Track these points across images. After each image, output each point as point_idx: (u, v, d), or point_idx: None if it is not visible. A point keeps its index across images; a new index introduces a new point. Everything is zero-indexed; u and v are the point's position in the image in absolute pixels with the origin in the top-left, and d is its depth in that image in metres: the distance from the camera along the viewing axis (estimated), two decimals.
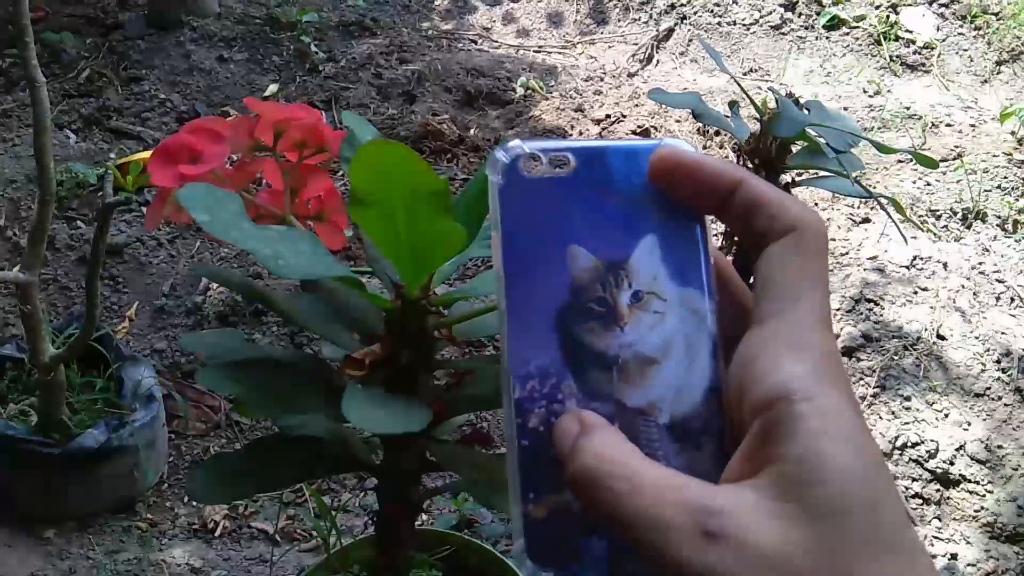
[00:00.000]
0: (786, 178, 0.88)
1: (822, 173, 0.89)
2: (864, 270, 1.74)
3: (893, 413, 1.47)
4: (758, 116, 0.86)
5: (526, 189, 0.30)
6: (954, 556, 1.32)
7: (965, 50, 2.74)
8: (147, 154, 1.84)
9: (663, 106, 2.27)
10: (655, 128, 2.17)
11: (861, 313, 1.62)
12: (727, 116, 0.92)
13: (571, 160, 0.31)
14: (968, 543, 1.34)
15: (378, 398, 0.50)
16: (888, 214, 0.84)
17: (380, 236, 0.48)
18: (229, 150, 0.53)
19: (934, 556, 1.32)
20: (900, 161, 2.13)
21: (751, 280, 0.30)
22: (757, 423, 0.26)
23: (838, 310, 1.63)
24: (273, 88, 2.36)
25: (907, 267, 1.73)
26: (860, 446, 0.25)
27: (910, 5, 2.92)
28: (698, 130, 2.21)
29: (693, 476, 0.26)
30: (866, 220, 1.89)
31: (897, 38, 2.76)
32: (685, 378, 0.29)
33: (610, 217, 0.30)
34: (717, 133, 2.19)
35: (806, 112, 0.87)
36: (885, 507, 0.24)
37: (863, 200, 1.79)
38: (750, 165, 0.88)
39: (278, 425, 0.61)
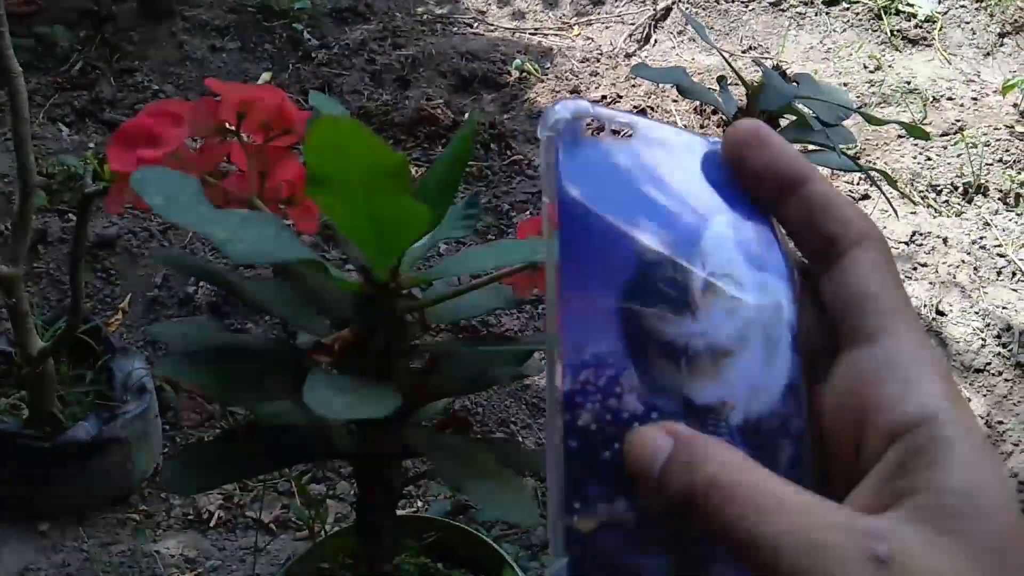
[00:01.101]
0: None
1: (811, 147, 0.87)
2: None
3: None
4: (745, 90, 0.84)
5: (586, 153, 0.27)
6: None
7: (967, 23, 2.70)
8: None
9: (659, 85, 2.24)
10: (651, 108, 2.15)
11: None
12: (715, 91, 0.90)
13: (637, 131, 0.28)
14: None
15: (344, 384, 0.49)
16: (879, 188, 0.82)
17: (341, 217, 0.47)
18: (188, 132, 0.51)
19: None
20: (900, 136, 2.10)
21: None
22: (894, 449, 0.24)
23: None
24: (266, 76, 2.34)
25: (906, 243, 1.71)
26: (1004, 475, 0.24)
27: None
28: (695, 109, 2.18)
29: None
30: (865, 196, 1.87)
31: (898, 12, 2.73)
32: (762, 374, 0.26)
33: (679, 194, 0.27)
34: (715, 112, 2.16)
35: (795, 85, 0.86)
36: None
37: (863, 176, 1.77)
38: None
39: (253, 413, 0.61)
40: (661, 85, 2.28)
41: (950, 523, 0.22)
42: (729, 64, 0.79)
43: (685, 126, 2.10)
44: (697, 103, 2.15)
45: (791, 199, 0.27)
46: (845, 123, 0.86)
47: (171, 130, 0.51)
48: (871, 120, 0.81)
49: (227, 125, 0.55)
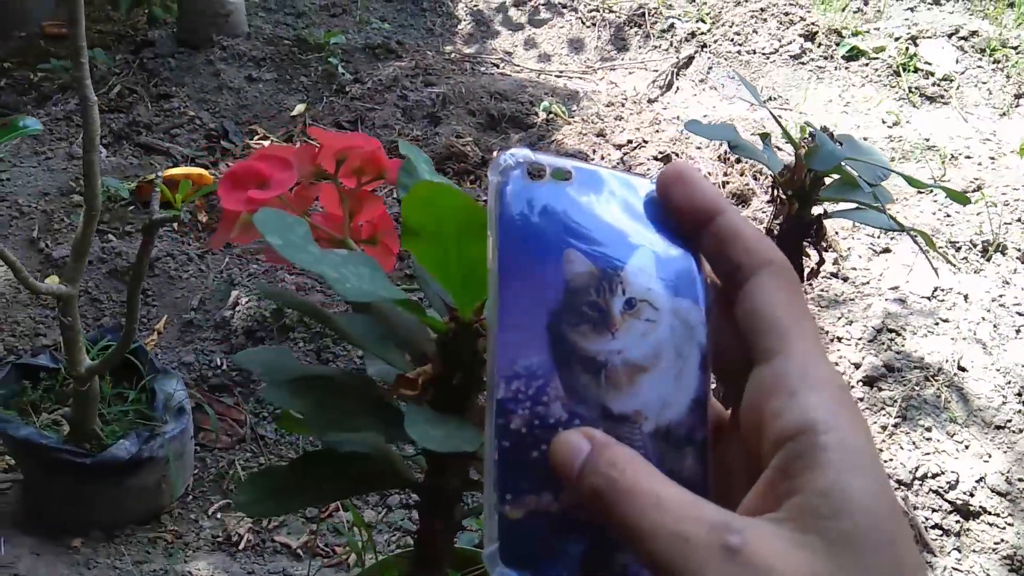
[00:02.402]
0: (818, 209, 0.90)
1: (852, 205, 0.91)
2: (886, 300, 1.75)
3: (914, 443, 1.48)
4: (793, 149, 0.87)
5: (527, 193, 0.30)
6: None
7: (984, 83, 2.75)
8: (196, 171, 1.86)
9: (684, 133, 2.29)
10: (676, 154, 2.20)
11: (883, 343, 1.63)
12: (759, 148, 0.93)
13: (573, 175, 0.31)
14: (987, 575, 1.34)
15: (435, 418, 0.52)
16: (920, 247, 0.85)
17: (433, 264, 0.50)
18: (296, 177, 0.55)
19: None
20: (919, 192, 2.14)
21: None
22: (779, 456, 0.26)
23: (859, 339, 1.64)
24: (300, 108, 2.40)
25: (928, 298, 1.74)
26: (882, 483, 0.25)
27: (929, 37, 2.94)
28: (719, 157, 2.23)
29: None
30: (887, 250, 1.90)
31: (916, 70, 2.79)
32: (672, 388, 0.29)
33: (608, 228, 0.31)
34: (738, 161, 2.21)
35: (839, 146, 0.89)
36: (905, 547, 0.25)
37: (884, 231, 1.80)
38: (783, 196, 0.90)
39: (323, 441, 0.63)
40: (684, 132, 2.33)
41: (814, 522, 0.24)
42: (780, 124, 0.83)
43: (708, 173, 2.14)
44: (721, 152, 2.20)
45: (707, 230, 0.30)
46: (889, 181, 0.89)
47: (280, 174, 0.54)
48: (913, 183, 0.84)
49: (325, 170, 0.59)
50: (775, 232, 0.92)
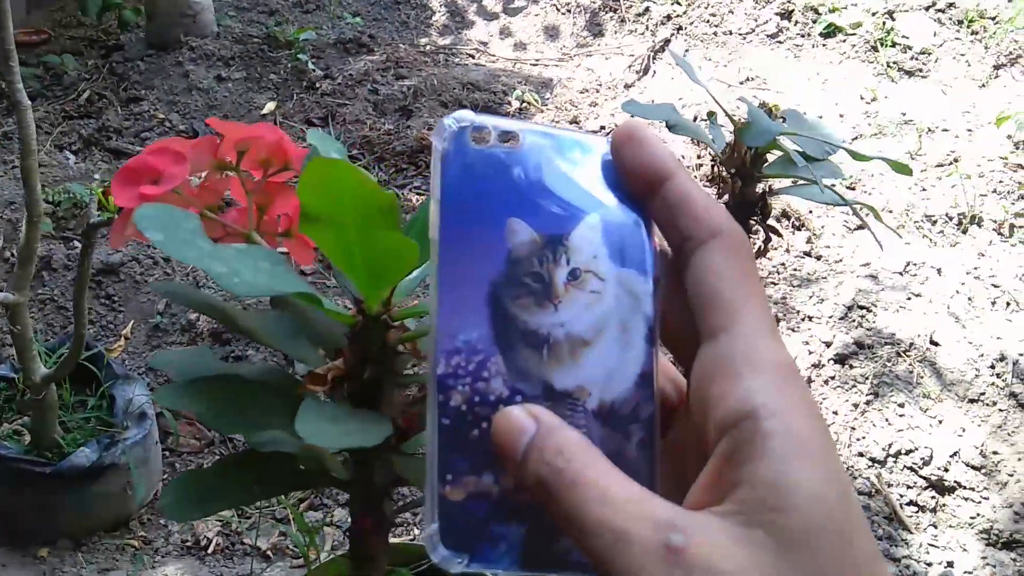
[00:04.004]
0: (762, 186, 0.89)
1: (800, 181, 0.89)
2: (857, 277, 1.73)
3: (887, 420, 1.46)
4: (732, 126, 0.86)
5: (471, 159, 0.29)
6: (950, 564, 1.31)
7: (962, 55, 2.73)
8: None
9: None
10: None
11: (854, 320, 1.62)
12: (705, 126, 0.92)
13: (520, 138, 0.30)
14: (964, 550, 1.33)
15: (336, 413, 0.51)
16: (862, 220, 0.84)
17: (334, 252, 0.49)
18: (189, 170, 0.53)
19: (929, 564, 1.31)
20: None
21: None
22: (722, 443, 0.25)
23: (831, 317, 1.63)
24: (271, 106, 2.38)
25: (900, 273, 1.73)
26: (831, 471, 0.24)
27: (907, 11, 2.92)
28: (692, 140, 2.21)
29: (621, 465, 0.26)
30: (861, 227, 1.89)
31: (894, 44, 2.77)
32: (618, 362, 0.28)
33: (554, 195, 0.29)
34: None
35: (781, 121, 0.88)
36: (857, 538, 0.23)
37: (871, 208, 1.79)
38: (726, 174, 0.88)
39: (248, 441, 0.62)
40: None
41: (759, 516, 0.23)
42: (716, 101, 0.81)
43: (681, 156, 2.13)
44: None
45: (657, 196, 0.29)
46: (839, 156, 0.88)
47: (173, 168, 0.53)
48: (856, 156, 0.83)
49: (227, 162, 0.57)
50: None
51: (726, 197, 0.89)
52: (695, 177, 1.72)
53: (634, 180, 0.29)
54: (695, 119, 2.11)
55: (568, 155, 0.30)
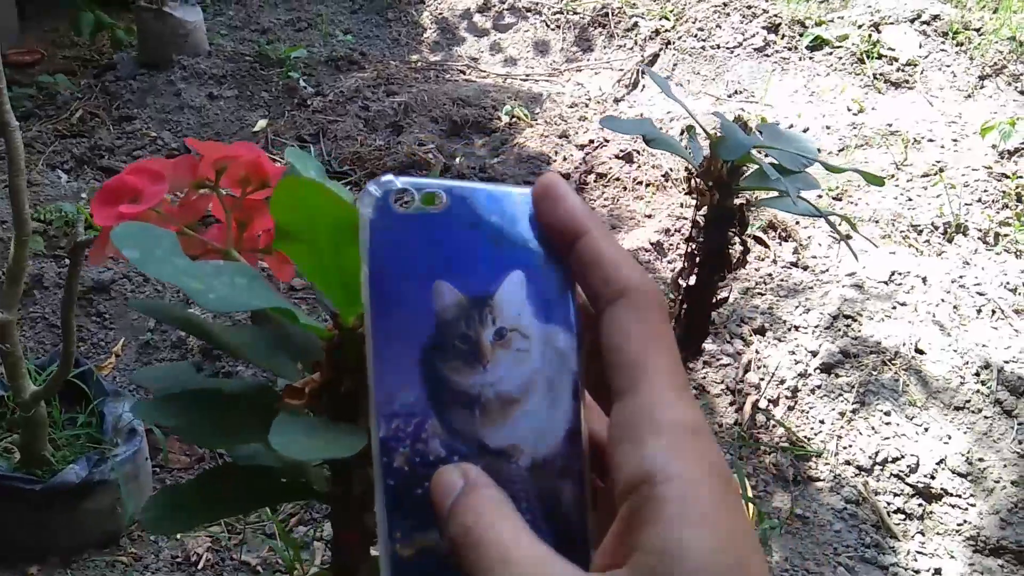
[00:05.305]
0: (739, 200, 0.90)
1: (774, 193, 0.91)
2: (843, 287, 1.75)
3: (873, 428, 1.47)
4: (709, 140, 0.88)
5: (396, 224, 0.30)
6: (938, 571, 1.32)
7: (948, 66, 2.76)
8: None
9: None
10: (638, 152, 2.20)
11: (839, 329, 1.63)
12: (685, 141, 0.93)
13: (443, 198, 0.30)
14: (952, 557, 1.34)
15: (311, 425, 0.52)
16: (837, 231, 0.85)
17: (309, 268, 0.50)
18: (167, 189, 0.54)
19: (917, 572, 1.31)
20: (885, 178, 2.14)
21: None
22: (624, 507, 0.25)
23: (816, 327, 1.64)
24: (262, 123, 2.40)
25: (886, 282, 1.74)
26: (727, 536, 0.24)
27: (892, 23, 2.95)
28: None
29: (553, 521, 0.27)
30: (848, 237, 1.90)
31: (880, 56, 2.79)
32: (547, 419, 0.28)
33: (478, 254, 0.30)
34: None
35: (758, 134, 0.89)
36: None
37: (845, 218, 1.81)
38: (704, 187, 0.90)
39: (231, 455, 0.63)
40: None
41: None
42: (691, 115, 0.83)
43: (670, 169, 2.14)
44: None
45: (572, 252, 0.29)
46: (817, 169, 0.89)
47: (152, 187, 0.54)
48: (830, 168, 0.84)
49: (206, 180, 0.58)
50: (700, 223, 0.92)
51: (704, 209, 0.91)
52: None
53: (553, 235, 0.29)
54: (682, 132, 2.13)
55: (493, 210, 0.30)
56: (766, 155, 0.87)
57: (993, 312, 1.70)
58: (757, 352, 1.60)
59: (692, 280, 0.94)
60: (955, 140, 2.34)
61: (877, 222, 1.97)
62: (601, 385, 0.29)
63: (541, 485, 0.28)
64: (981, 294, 1.73)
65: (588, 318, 0.30)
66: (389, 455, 0.28)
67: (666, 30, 3.01)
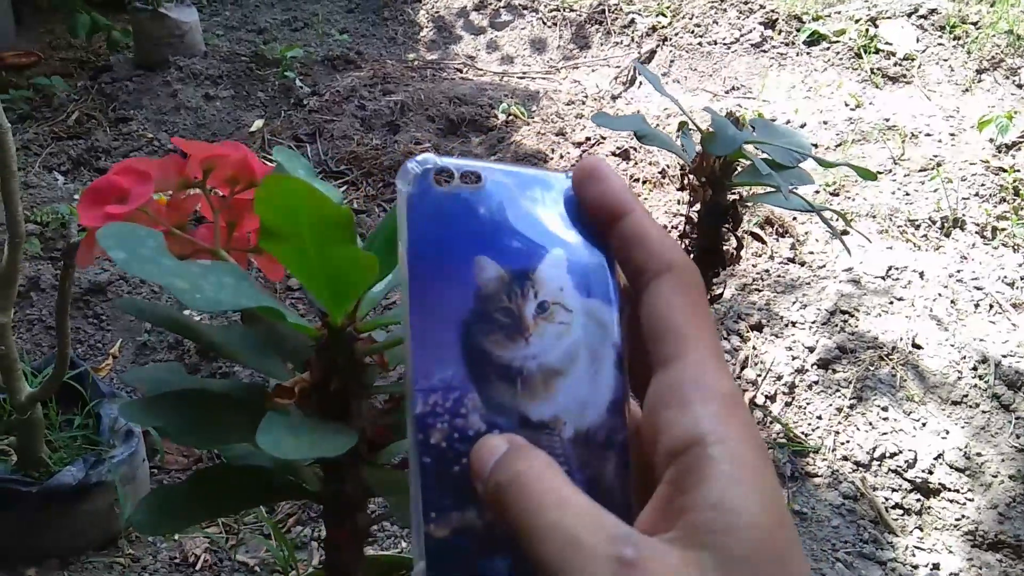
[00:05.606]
0: (733, 196, 0.90)
1: (769, 189, 0.90)
2: (839, 282, 1.74)
3: (870, 424, 1.47)
4: (701, 136, 0.87)
5: (436, 201, 0.30)
6: (936, 566, 1.31)
7: (945, 60, 2.76)
8: None
9: None
10: (634, 149, 2.19)
11: (836, 325, 1.63)
12: (680, 137, 0.93)
13: (483, 178, 0.30)
14: (950, 552, 1.34)
15: (299, 425, 0.51)
16: (830, 227, 0.85)
17: (295, 268, 0.50)
18: (154, 189, 0.54)
19: (916, 567, 1.31)
20: (879, 172, 2.14)
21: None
22: (671, 469, 0.26)
23: (813, 322, 1.64)
24: (258, 123, 2.39)
25: (883, 278, 1.74)
26: (771, 497, 0.25)
27: (889, 18, 2.95)
28: None
29: (598, 490, 0.27)
30: (845, 232, 1.90)
31: (877, 51, 2.79)
32: (589, 390, 0.29)
33: (517, 232, 0.30)
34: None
35: (750, 130, 0.89)
36: (792, 558, 0.24)
37: (839, 213, 1.81)
38: (697, 183, 0.89)
39: (223, 456, 0.63)
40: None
41: (704, 537, 0.24)
42: (683, 111, 0.83)
43: (667, 166, 2.14)
44: None
45: (615, 230, 0.30)
46: (811, 164, 0.89)
47: (138, 187, 0.54)
48: (822, 163, 0.84)
49: (194, 180, 0.58)
50: (694, 220, 0.92)
51: (697, 206, 0.91)
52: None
53: (595, 214, 0.30)
54: (679, 128, 2.13)
55: (530, 192, 0.31)
56: (760, 151, 0.87)
57: (991, 307, 1.70)
58: (754, 348, 1.60)
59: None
60: (952, 134, 2.33)
61: (874, 217, 1.97)
62: (632, 360, 0.30)
63: (584, 457, 0.28)
64: (978, 288, 1.73)
65: (626, 294, 0.31)
66: (426, 432, 0.27)
67: (663, 26, 3.01)
